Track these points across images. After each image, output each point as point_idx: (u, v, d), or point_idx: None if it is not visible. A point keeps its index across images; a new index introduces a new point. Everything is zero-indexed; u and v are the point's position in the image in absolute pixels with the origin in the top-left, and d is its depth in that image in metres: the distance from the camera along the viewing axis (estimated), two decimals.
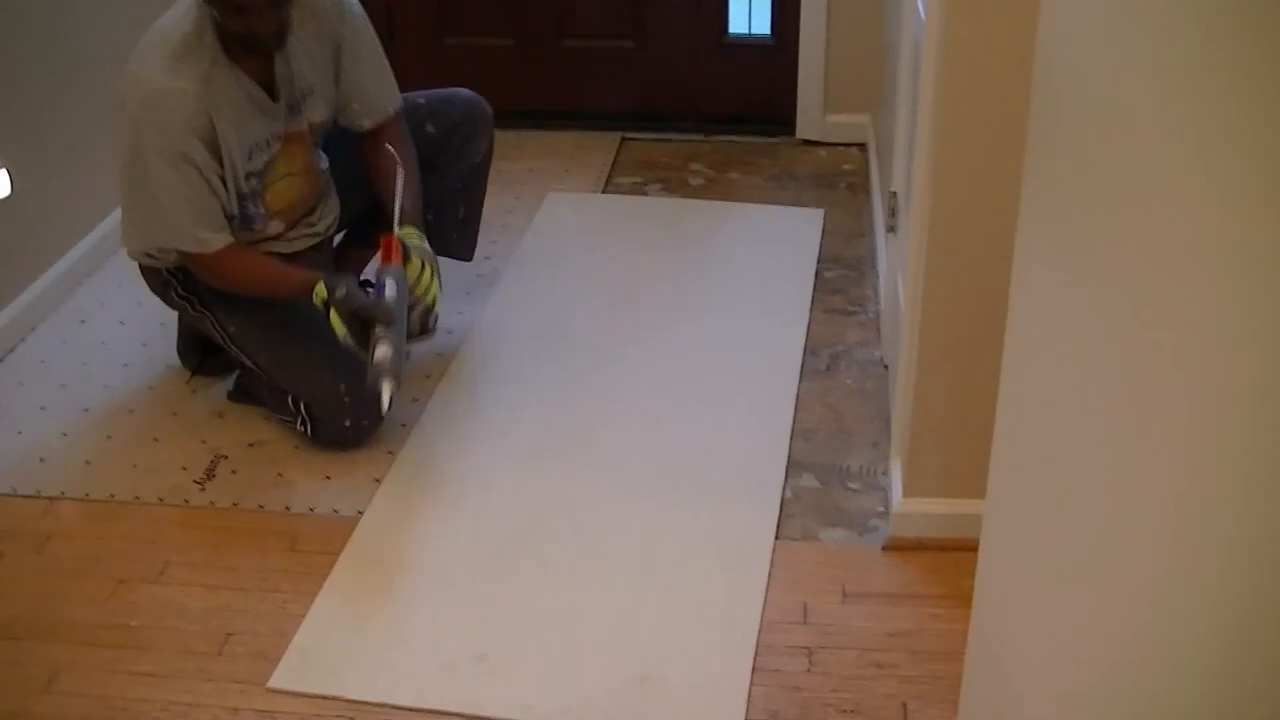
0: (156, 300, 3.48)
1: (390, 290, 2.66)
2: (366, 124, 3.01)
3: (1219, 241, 0.85)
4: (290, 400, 2.86)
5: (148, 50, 2.71)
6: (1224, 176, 0.84)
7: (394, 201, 2.83)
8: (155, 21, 2.76)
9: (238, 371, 3.10)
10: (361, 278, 2.93)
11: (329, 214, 3.08)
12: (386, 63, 3.03)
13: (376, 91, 2.99)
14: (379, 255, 2.75)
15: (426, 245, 2.84)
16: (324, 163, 3.03)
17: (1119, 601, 1.04)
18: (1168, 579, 0.93)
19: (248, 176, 2.80)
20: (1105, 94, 1.10)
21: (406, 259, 2.75)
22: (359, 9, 2.95)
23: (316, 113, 2.91)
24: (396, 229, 2.79)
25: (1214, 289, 0.85)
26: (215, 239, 2.77)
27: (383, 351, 2.60)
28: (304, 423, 2.86)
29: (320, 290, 2.69)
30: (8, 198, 3.28)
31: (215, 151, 2.72)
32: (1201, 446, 0.88)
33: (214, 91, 2.70)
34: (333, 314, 2.66)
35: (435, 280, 2.79)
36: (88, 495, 2.81)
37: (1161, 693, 0.95)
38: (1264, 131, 0.78)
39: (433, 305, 2.80)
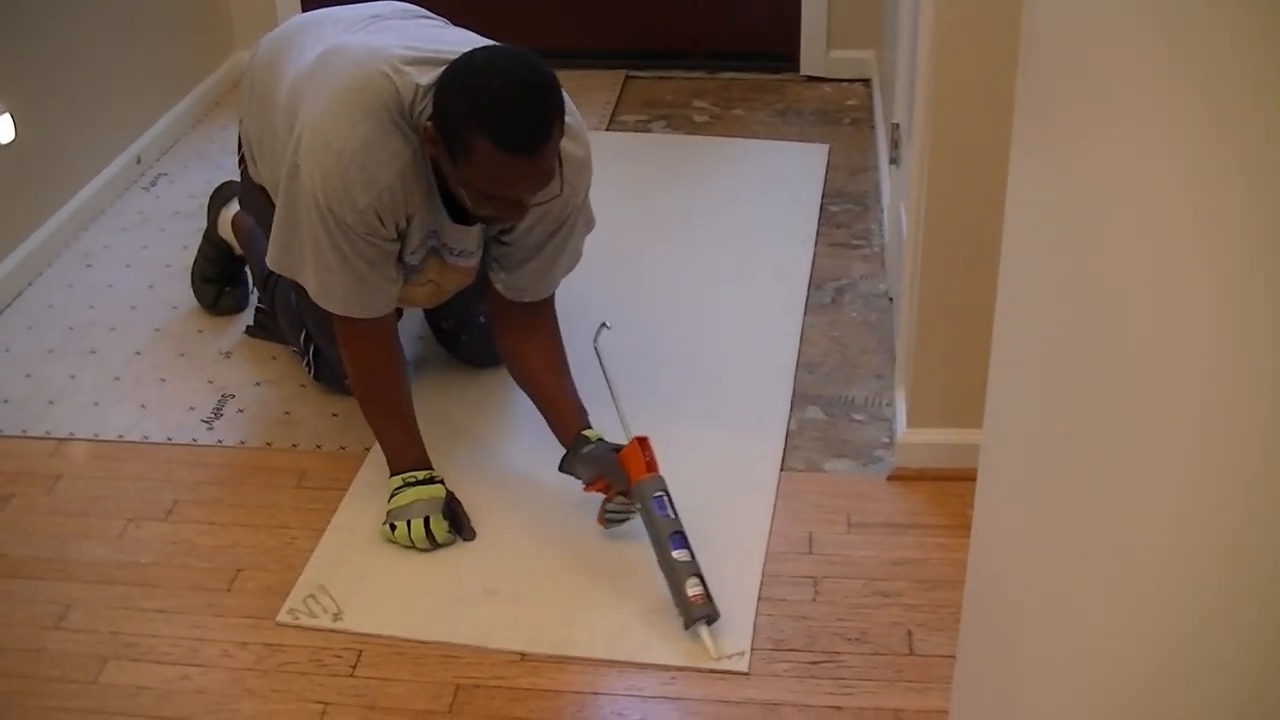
0: (161, 244, 3.51)
1: (671, 510, 2.34)
2: (501, 290, 2.61)
3: (1213, 164, 0.83)
4: (304, 337, 2.86)
5: (350, 121, 2.30)
6: (1211, 95, 0.84)
7: (617, 409, 2.53)
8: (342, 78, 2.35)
9: (256, 306, 3.10)
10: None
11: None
12: (567, 260, 2.61)
13: (531, 281, 2.58)
14: (637, 464, 2.39)
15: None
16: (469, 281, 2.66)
17: (1114, 528, 1.04)
18: (1167, 504, 0.93)
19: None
20: (1091, 13, 1.10)
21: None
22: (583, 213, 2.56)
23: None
24: (588, 431, 2.50)
25: (1206, 207, 0.84)
26: (356, 308, 2.47)
27: (696, 589, 2.25)
28: (309, 364, 2.87)
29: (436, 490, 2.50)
30: (12, 142, 3.28)
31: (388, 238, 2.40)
32: (1204, 373, 0.86)
33: (409, 185, 2.36)
34: (432, 518, 2.45)
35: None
36: (96, 436, 2.82)
37: (1158, 617, 0.95)
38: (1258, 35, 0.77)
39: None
